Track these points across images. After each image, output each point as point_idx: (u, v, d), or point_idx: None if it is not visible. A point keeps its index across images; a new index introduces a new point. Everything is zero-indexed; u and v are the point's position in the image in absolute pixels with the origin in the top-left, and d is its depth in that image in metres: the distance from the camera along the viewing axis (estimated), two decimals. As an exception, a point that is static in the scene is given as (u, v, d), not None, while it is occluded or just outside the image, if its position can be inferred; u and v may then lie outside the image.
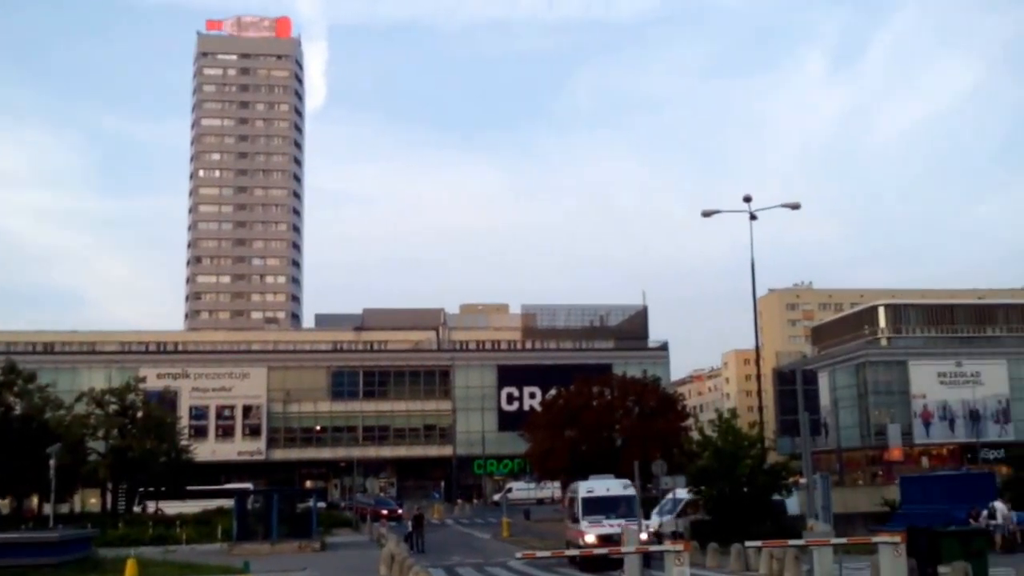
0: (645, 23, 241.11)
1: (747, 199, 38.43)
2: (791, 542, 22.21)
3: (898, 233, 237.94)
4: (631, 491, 31.32)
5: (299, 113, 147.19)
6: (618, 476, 34.97)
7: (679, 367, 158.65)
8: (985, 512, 30.61)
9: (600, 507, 30.18)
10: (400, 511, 63.83)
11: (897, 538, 19.63)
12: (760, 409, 48.00)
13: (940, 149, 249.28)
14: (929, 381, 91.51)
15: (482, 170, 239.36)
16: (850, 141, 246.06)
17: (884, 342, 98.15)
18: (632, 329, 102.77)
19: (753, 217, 38.80)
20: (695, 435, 48.46)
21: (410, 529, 38.23)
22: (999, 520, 30.53)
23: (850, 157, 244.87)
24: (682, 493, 36.97)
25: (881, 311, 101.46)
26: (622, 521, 27.99)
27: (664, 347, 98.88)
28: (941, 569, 18.00)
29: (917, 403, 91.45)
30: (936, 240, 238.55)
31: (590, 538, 28.59)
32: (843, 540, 23.17)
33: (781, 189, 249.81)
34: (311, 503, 42.98)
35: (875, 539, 21.34)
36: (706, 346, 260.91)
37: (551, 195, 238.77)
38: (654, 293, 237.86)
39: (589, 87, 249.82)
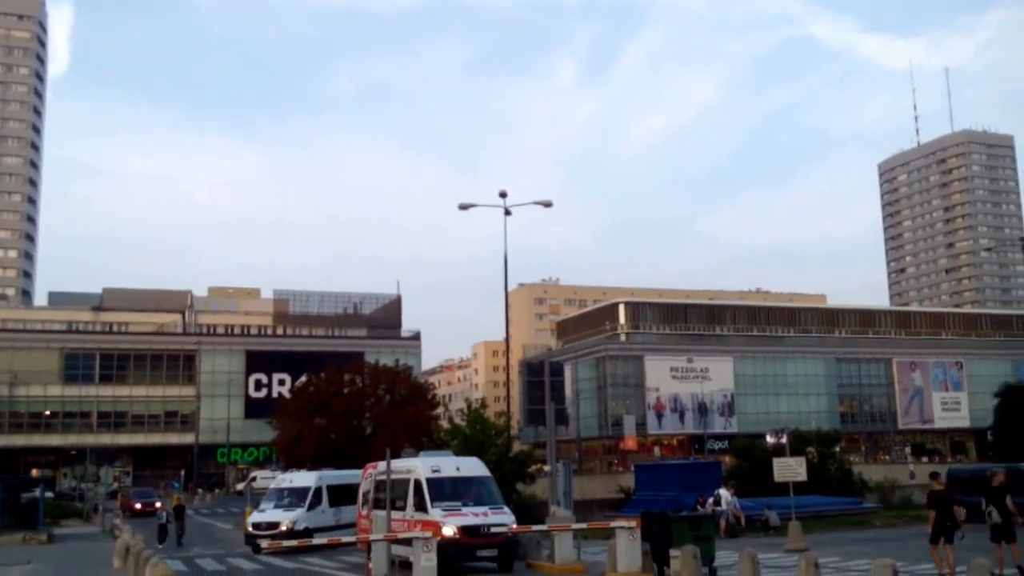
0: (409, 15, 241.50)
1: (503, 195, 39.11)
2: (534, 527, 22.88)
3: (640, 236, 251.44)
4: (486, 471, 25.32)
5: (40, 78, 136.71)
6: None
7: (431, 357, 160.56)
8: (711, 499, 32.76)
9: (451, 491, 23.44)
10: (158, 503, 60.73)
11: (632, 523, 20.66)
12: (508, 399, 49.24)
13: (680, 159, 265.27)
14: (663, 375, 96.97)
15: (238, 152, 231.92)
16: (599, 147, 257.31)
17: (623, 338, 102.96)
18: (386, 318, 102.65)
19: (508, 213, 39.53)
20: (445, 423, 49.06)
21: (165, 520, 36.12)
22: (723, 506, 32.76)
23: (599, 162, 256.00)
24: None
25: (621, 308, 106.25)
26: (486, 509, 22.53)
27: (417, 336, 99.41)
28: (672, 552, 19.04)
29: (651, 396, 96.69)
30: (674, 243, 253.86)
31: (449, 531, 21.40)
32: (583, 525, 24.17)
33: (535, 188, 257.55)
34: (38, 492, 40.09)
35: (612, 524, 22.35)
36: (457, 337, 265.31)
37: (309, 181, 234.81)
38: (409, 283, 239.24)
39: (351, 75, 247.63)
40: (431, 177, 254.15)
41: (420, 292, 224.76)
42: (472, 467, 25.03)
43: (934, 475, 20.08)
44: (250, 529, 32.44)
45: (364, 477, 27.60)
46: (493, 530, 21.56)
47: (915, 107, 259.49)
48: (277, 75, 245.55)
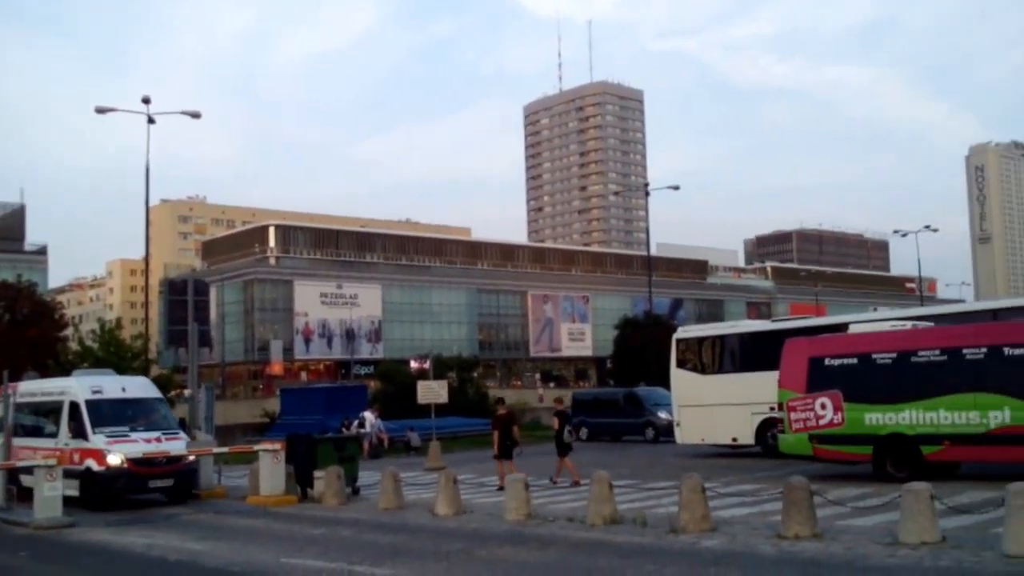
0: None
1: (146, 100, 36.72)
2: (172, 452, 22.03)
3: (293, 157, 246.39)
4: (157, 392, 23.15)
5: None
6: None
7: (60, 274, 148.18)
8: (356, 422, 33.27)
9: (116, 415, 20.76)
10: None
11: (277, 446, 20.54)
12: (146, 321, 46.77)
13: (335, 82, 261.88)
14: (312, 301, 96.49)
15: None
16: (253, 61, 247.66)
17: (272, 261, 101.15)
18: (6, 229, 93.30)
19: (151, 120, 37.21)
20: (74, 345, 45.81)
21: None
22: (368, 428, 33.39)
23: (252, 77, 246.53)
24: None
25: (271, 231, 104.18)
26: (159, 434, 20.44)
27: (43, 251, 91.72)
28: (317, 473, 19.18)
29: (300, 321, 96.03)
30: (327, 168, 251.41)
31: (115, 459, 19.27)
32: (225, 449, 23.66)
33: (183, 98, 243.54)
34: None
35: (256, 447, 22.09)
36: (91, 253, 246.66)
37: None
38: (36, 192, 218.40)
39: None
40: (64, 76, 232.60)
41: (49, 203, 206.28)
42: (140, 387, 22.84)
43: (499, 400, 23.46)
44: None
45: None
46: (166, 458, 19.87)
47: (560, 55, 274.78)
48: None
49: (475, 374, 55.84)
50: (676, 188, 58.36)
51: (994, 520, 10.84)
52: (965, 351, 16.77)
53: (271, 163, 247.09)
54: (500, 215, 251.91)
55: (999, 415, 15.89)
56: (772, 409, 21.16)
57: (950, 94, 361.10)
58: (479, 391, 49.72)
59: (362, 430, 32.58)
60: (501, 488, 18.18)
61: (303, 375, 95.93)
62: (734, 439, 25.35)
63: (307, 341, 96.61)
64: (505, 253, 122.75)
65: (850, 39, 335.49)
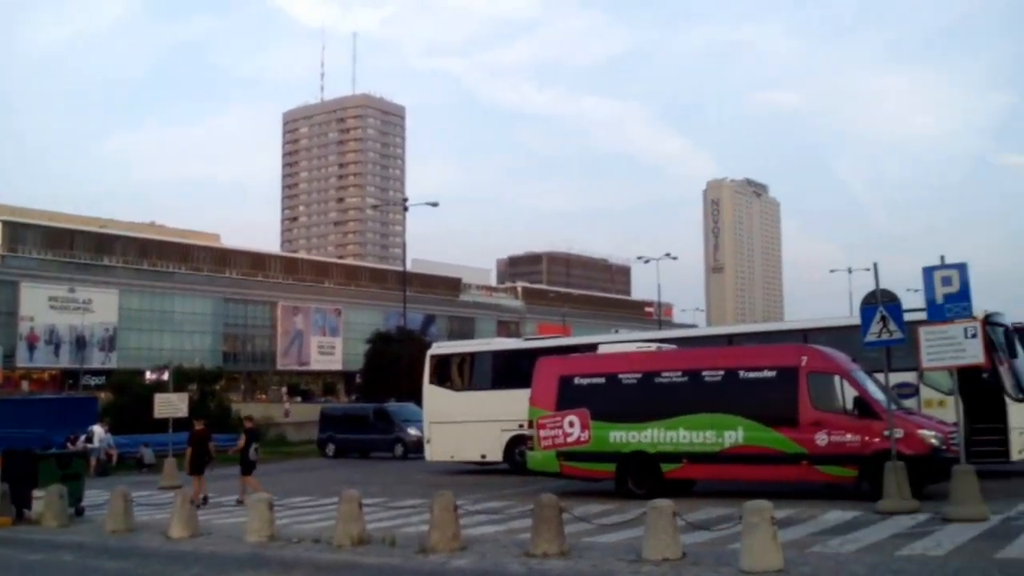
0: None
1: None
2: None
3: (28, 148, 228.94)
4: None
5: None
6: None
7: None
8: (84, 436, 30.92)
9: None
10: None
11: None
12: None
13: (80, 73, 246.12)
14: (40, 304, 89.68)
15: None
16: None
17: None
18: None
19: None
20: None
21: None
22: (96, 444, 31.12)
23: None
24: None
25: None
26: None
27: None
28: (36, 492, 17.53)
29: (24, 325, 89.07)
30: (66, 162, 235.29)
31: None
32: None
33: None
34: None
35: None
36: None
37: None
38: None
39: None
40: None
41: None
42: None
43: (198, 417, 22.98)
44: None
45: None
46: None
47: (323, 64, 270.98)
48: None
49: (218, 387, 53.53)
50: (435, 205, 58.59)
51: (731, 536, 11.28)
52: (704, 373, 17.61)
53: (4, 152, 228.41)
54: (253, 223, 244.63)
55: (733, 435, 16.74)
56: (522, 426, 21.42)
57: (691, 131, 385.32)
58: (222, 405, 47.72)
59: (90, 445, 30.34)
60: (199, 505, 17.69)
61: (24, 384, 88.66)
62: (483, 456, 25.50)
63: (31, 348, 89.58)
64: (255, 262, 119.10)
65: (603, 72, 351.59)
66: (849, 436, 15.87)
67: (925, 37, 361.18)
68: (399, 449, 34.47)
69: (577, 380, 18.98)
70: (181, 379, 42.70)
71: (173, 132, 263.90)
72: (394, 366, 51.27)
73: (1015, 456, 18.55)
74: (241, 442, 20.71)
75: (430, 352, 28.16)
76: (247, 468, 20.41)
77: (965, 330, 13.94)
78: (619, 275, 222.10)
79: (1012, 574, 9.40)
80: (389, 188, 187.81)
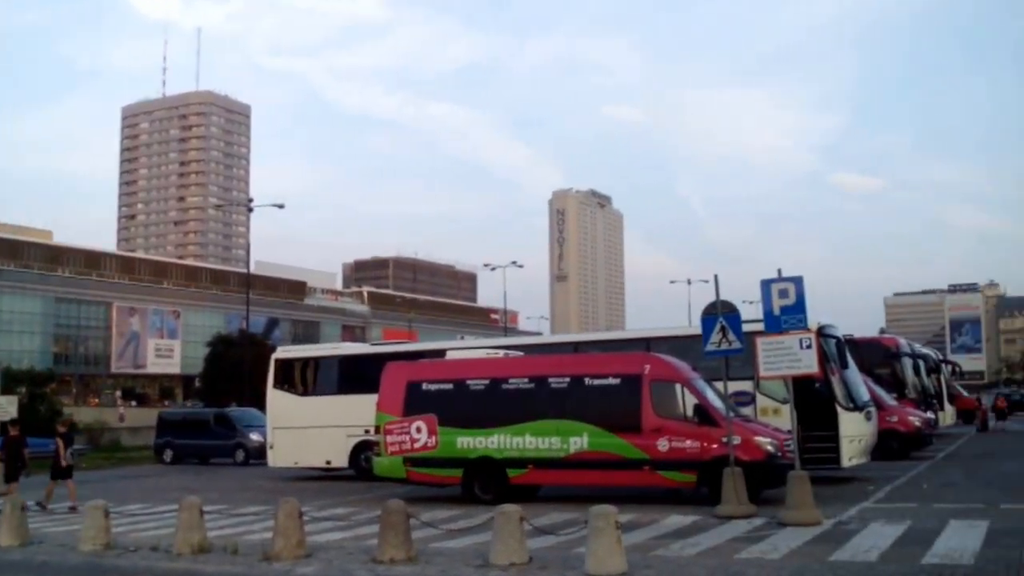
0: None
1: None
2: None
3: None
4: None
5: None
6: None
7: None
8: None
9: None
10: None
11: None
12: None
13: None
14: None
15: None
16: None
17: None
18: None
19: None
20: None
21: None
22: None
23: None
24: None
25: None
26: None
27: None
28: None
29: None
30: None
31: None
32: None
33: None
34: None
35: None
36: None
37: None
38: None
39: None
40: None
41: None
42: None
43: (14, 422, 22.14)
44: None
45: None
46: None
47: (165, 59, 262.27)
48: None
49: (48, 390, 50.94)
50: (280, 206, 57.43)
51: (576, 540, 11.42)
52: (550, 380, 17.82)
53: None
54: (88, 220, 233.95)
55: (578, 441, 16.99)
56: (368, 432, 21.15)
57: (539, 141, 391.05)
58: (53, 408, 45.48)
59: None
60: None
61: None
62: (328, 462, 25.05)
63: None
64: (90, 260, 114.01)
65: (453, 79, 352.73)
66: (689, 442, 16.33)
67: (763, 59, 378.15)
68: (240, 455, 33.55)
69: (425, 386, 18.89)
70: (9, 381, 40.53)
71: (3, 123, 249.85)
72: (236, 370, 50.01)
73: (846, 462, 19.49)
74: (57, 446, 20.01)
75: (275, 356, 27.51)
76: (59, 473, 19.82)
77: (800, 341, 14.55)
78: (465, 282, 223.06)
79: (842, 575, 9.84)
80: (233, 188, 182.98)
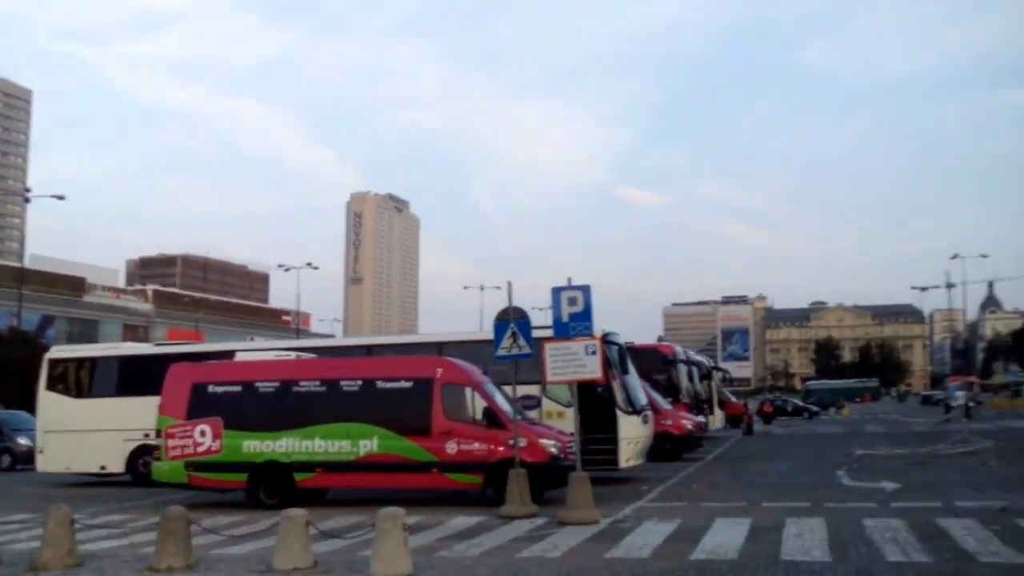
0: None
1: None
2: None
3: None
4: None
5: None
6: None
7: None
8: None
9: None
10: None
11: None
12: None
13: None
14: None
15: None
16: None
17: None
18: None
19: None
20: None
21: None
22: None
23: None
24: None
25: None
26: None
27: None
28: None
29: None
30: None
31: None
32: None
33: None
34: None
35: None
36: None
37: None
38: None
39: None
40: None
41: None
42: None
43: None
44: None
45: None
46: None
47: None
48: None
49: None
50: (61, 198, 54.25)
51: (363, 543, 11.43)
52: (342, 383, 17.71)
53: None
54: None
55: (368, 444, 16.98)
56: (147, 436, 20.38)
57: (337, 142, 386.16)
58: None
59: None
60: None
61: None
62: (103, 467, 23.90)
63: None
64: None
65: (251, 75, 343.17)
66: (477, 445, 16.64)
67: (562, 73, 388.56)
68: (7, 460, 31.46)
69: (211, 388, 18.37)
70: None
71: None
72: (4, 370, 46.88)
73: (623, 464, 20.39)
74: None
75: (48, 355, 26.02)
76: None
77: (586, 347, 15.11)
78: (258, 282, 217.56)
79: (618, 571, 10.31)
80: (8, 176, 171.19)
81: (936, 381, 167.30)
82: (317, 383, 17.94)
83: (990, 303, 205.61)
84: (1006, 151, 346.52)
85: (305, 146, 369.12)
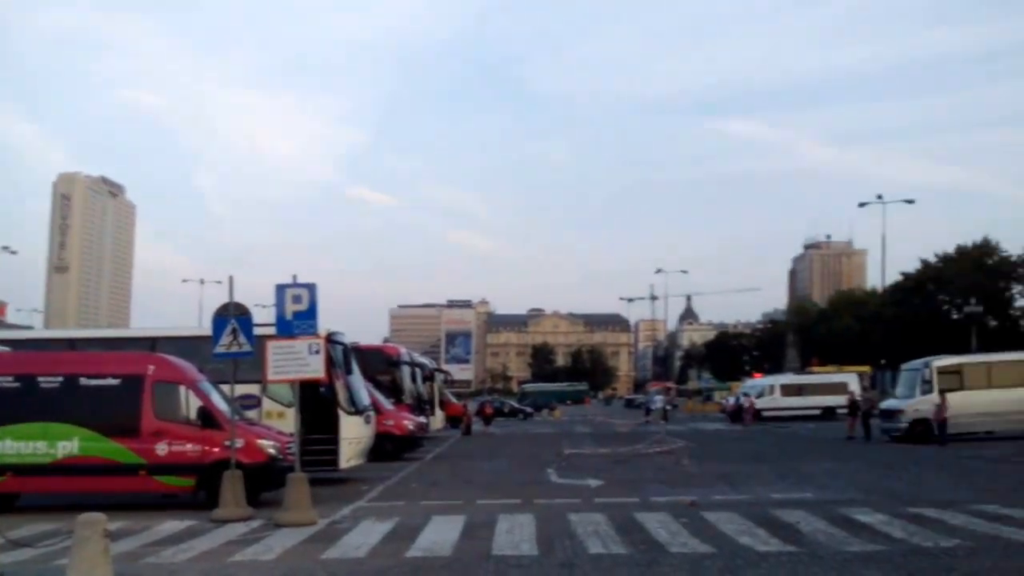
0: None
1: None
2: None
3: None
4: None
5: None
6: None
7: None
8: None
9: None
10: None
11: None
12: None
13: None
14: None
15: None
16: None
17: None
18: None
19: None
20: None
21: None
22: None
23: None
24: None
25: None
26: None
27: None
28: None
29: None
30: None
31: None
32: None
33: None
34: None
35: None
36: None
37: None
38: None
39: None
40: None
41: None
42: None
43: None
44: None
45: None
46: None
47: None
48: None
49: None
50: None
51: (58, 552, 10.64)
52: (40, 379, 16.42)
53: None
54: None
55: (68, 445, 15.83)
56: None
57: (44, 117, 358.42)
58: None
59: None
60: None
61: None
62: None
63: None
64: None
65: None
66: (190, 446, 15.97)
67: (294, 65, 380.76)
68: None
69: None
70: None
71: None
72: None
73: (344, 464, 20.27)
74: None
75: None
76: None
77: (309, 346, 14.88)
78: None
79: (334, 572, 10.21)
80: None
81: (639, 386, 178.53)
82: (10, 379, 16.49)
83: (688, 315, 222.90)
84: (705, 176, 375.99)
85: (6, 120, 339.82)
